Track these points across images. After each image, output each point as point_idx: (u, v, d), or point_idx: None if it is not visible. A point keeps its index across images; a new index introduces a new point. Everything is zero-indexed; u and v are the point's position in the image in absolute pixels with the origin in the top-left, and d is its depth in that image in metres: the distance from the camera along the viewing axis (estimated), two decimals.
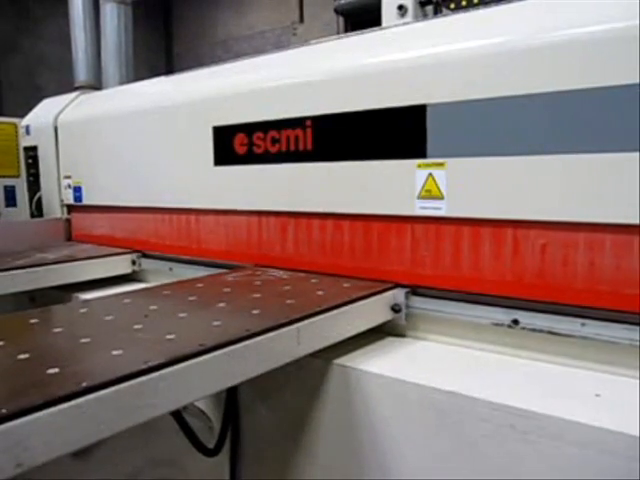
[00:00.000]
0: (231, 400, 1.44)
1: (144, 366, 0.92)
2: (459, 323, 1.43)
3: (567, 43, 1.21)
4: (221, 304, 1.36)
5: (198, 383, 1.01)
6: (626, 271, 1.18)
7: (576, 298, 1.25)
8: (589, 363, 1.22)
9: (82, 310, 1.34)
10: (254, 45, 10.96)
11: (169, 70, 11.89)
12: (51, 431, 0.81)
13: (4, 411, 0.77)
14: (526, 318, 1.31)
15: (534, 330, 1.30)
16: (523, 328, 1.32)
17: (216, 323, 1.19)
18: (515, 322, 1.33)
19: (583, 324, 1.23)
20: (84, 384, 0.85)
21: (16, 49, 9.69)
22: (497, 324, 1.36)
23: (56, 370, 0.92)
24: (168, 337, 1.09)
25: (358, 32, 1.76)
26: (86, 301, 1.50)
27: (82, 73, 3.45)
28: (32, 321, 1.26)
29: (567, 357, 1.25)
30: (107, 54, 2.98)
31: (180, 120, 2.09)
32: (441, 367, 1.30)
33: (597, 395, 1.09)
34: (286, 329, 1.18)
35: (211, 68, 2.18)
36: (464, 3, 1.70)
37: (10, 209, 3.28)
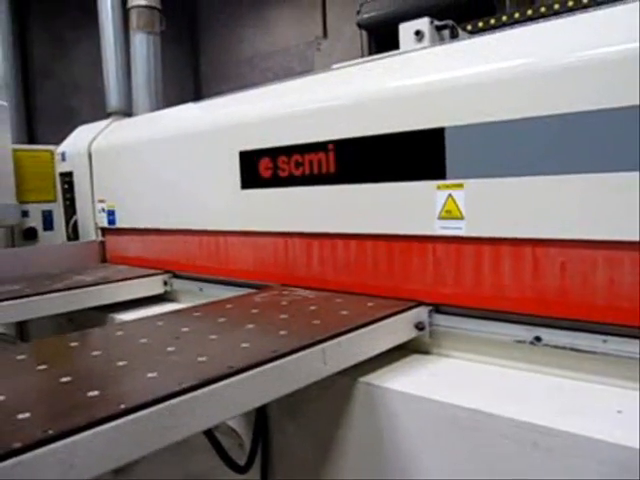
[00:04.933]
0: (261, 418, 1.49)
1: (178, 388, 0.97)
2: (482, 340, 1.45)
3: (583, 65, 1.24)
4: (250, 325, 1.41)
5: (228, 403, 1.06)
6: None
7: (597, 315, 1.26)
8: (611, 379, 1.23)
9: (118, 333, 1.41)
10: (279, 61, 11.13)
11: (197, 88, 12.15)
12: (94, 450, 0.86)
13: (51, 432, 0.83)
14: (548, 335, 1.33)
15: (556, 347, 1.32)
16: (546, 345, 1.34)
17: (244, 345, 1.24)
18: (537, 339, 1.35)
19: (605, 340, 1.24)
20: (123, 406, 0.91)
21: (50, 74, 10.04)
22: (520, 341, 1.38)
23: (96, 393, 0.98)
24: (200, 359, 1.15)
25: (377, 56, 1.81)
26: (122, 323, 1.57)
27: (114, 99, 3.59)
28: (72, 344, 1.33)
29: (589, 373, 1.27)
30: (137, 82, 3.10)
31: (208, 146, 2.17)
32: (464, 384, 1.32)
33: (619, 412, 1.10)
34: (312, 350, 1.23)
35: (236, 94, 2.26)
36: (481, 25, 1.73)
37: (48, 233, 3.42)
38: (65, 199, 3.07)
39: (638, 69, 1.14)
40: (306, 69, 9.57)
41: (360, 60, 1.92)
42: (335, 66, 2.00)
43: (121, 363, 1.15)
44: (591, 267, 1.26)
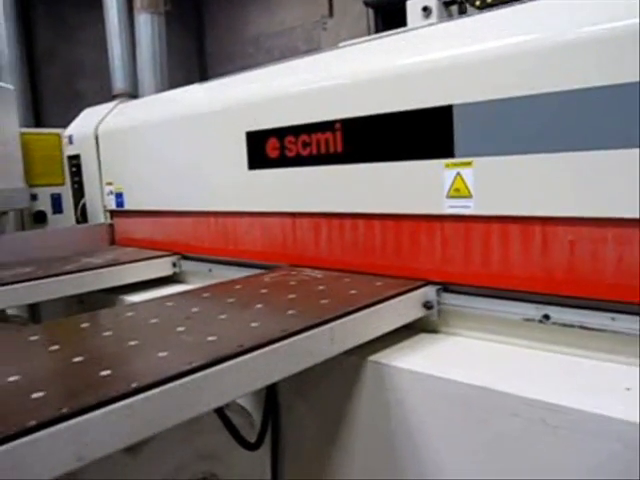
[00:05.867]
0: (271, 397, 1.51)
1: (188, 367, 0.99)
2: (491, 319, 1.45)
3: (593, 40, 1.22)
4: (259, 305, 1.42)
5: (238, 382, 1.07)
6: None
7: (606, 293, 1.26)
8: (620, 357, 1.23)
9: (129, 314, 1.43)
10: (284, 41, 11.02)
11: (202, 68, 12.05)
12: (106, 428, 0.88)
13: (65, 410, 0.84)
14: (557, 313, 1.33)
15: (565, 325, 1.32)
16: (554, 323, 1.34)
17: (254, 324, 1.25)
18: (546, 317, 1.35)
19: (613, 318, 1.24)
20: (134, 385, 0.92)
21: (55, 56, 9.99)
22: (528, 319, 1.38)
23: (108, 372, 0.99)
24: (209, 339, 1.16)
25: (384, 34, 1.79)
26: (132, 304, 1.59)
27: (119, 81, 3.59)
28: (83, 325, 1.35)
29: (598, 351, 1.27)
30: (142, 63, 3.09)
31: (215, 126, 2.16)
32: (473, 362, 1.33)
33: (627, 389, 1.10)
34: (320, 329, 1.23)
35: (242, 74, 2.24)
36: (489, 0, 1.70)
37: (57, 216, 3.44)
38: (73, 182, 3.08)
39: None
40: (312, 48, 9.47)
41: (367, 38, 1.90)
42: (342, 44, 1.98)
43: (132, 343, 1.16)
44: (600, 245, 1.25)
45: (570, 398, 1.08)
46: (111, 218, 2.93)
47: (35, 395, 0.91)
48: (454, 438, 1.23)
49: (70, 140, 3.07)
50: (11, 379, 0.99)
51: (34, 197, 3.35)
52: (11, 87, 2.88)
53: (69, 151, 3.08)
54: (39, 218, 3.40)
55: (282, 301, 1.46)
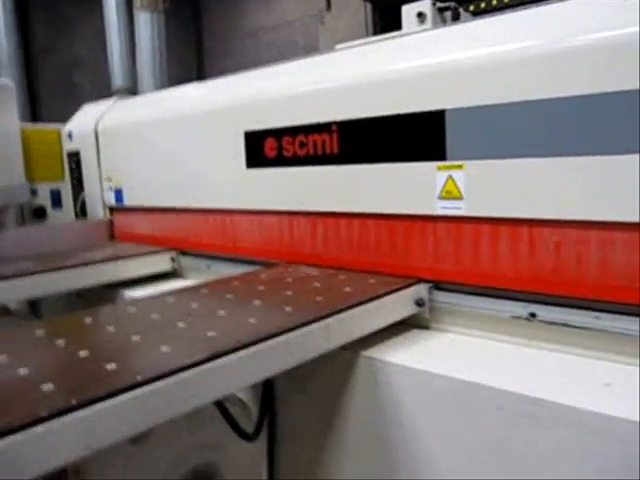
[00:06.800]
0: (268, 390, 1.56)
1: (190, 361, 1.04)
2: (480, 316, 1.51)
3: (578, 49, 1.27)
4: (256, 302, 1.47)
5: (237, 376, 1.13)
6: (637, 266, 1.24)
7: (589, 292, 1.31)
8: (602, 354, 1.29)
9: (131, 310, 1.47)
10: (283, 35, 11.01)
11: (200, 62, 12.04)
12: (113, 418, 0.93)
13: (74, 402, 0.89)
14: (543, 311, 1.39)
15: (550, 323, 1.37)
16: (540, 321, 1.39)
17: (252, 321, 1.30)
18: (533, 315, 1.41)
19: (597, 317, 1.30)
20: (139, 377, 0.97)
21: (51, 51, 9.98)
22: (515, 317, 1.44)
23: (114, 366, 1.04)
24: (209, 334, 1.21)
25: (380, 37, 1.83)
26: (134, 300, 1.63)
27: (118, 77, 3.61)
28: (87, 321, 1.39)
29: (581, 348, 1.32)
30: (142, 61, 3.13)
31: (214, 125, 2.21)
32: (462, 358, 1.39)
33: (607, 385, 1.16)
34: (316, 325, 1.29)
35: (241, 74, 2.28)
36: (483, 6, 1.75)
37: (57, 211, 3.48)
38: (73, 178, 3.12)
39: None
40: (310, 43, 9.48)
41: (363, 41, 1.94)
42: (338, 46, 2.03)
43: (135, 338, 1.21)
44: (584, 247, 1.31)
45: (552, 393, 1.13)
46: (110, 214, 2.97)
47: (45, 387, 0.96)
48: (442, 429, 1.29)
49: (70, 136, 3.10)
50: (21, 372, 1.04)
51: (34, 192, 3.39)
52: (11, 84, 2.91)
53: (69, 147, 3.12)
54: (39, 213, 3.44)
55: (279, 298, 1.51)
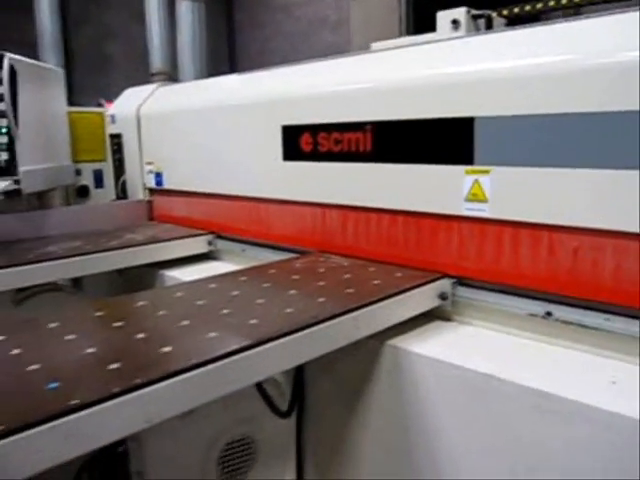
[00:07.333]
0: (299, 372, 1.70)
1: (237, 347, 1.17)
2: (499, 312, 1.61)
3: (603, 68, 1.34)
4: (292, 291, 1.60)
5: (276, 361, 1.26)
6: None
7: (603, 295, 1.41)
8: (611, 353, 1.39)
9: (178, 294, 1.62)
10: (313, 9, 10.92)
11: (230, 34, 11.99)
12: (170, 396, 1.07)
13: (138, 381, 1.03)
14: (559, 311, 1.49)
15: (565, 322, 1.47)
16: (556, 320, 1.49)
17: (289, 310, 1.43)
18: (549, 314, 1.51)
19: (607, 319, 1.39)
20: (193, 361, 1.11)
21: (86, 20, 10.10)
22: (532, 315, 1.54)
23: (169, 349, 1.19)
24: (251, 322, 1.34)
25: (415, 39, 1.91)
26: (179, 285, 1.77)
27: (158, 60, 3.73)
28: (140, 304, 1.54)
29: (592, 347, 1.43)
30: (183, 48, 3.24)
31: (253, 118, 2.32)
32: (480, 351, 1.50)
33: (613, 382, 1.27)
34: (347, 316, 1.41)
35: (281, 68, 2.38)
36: (517, 11, 1.81)
37: (99, 190, 3.66)
38: (114, 159, 3.27)
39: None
40: (340, 18, 9.38)
41: (398, 41, 2.02)
42: (374, 45, 2.11)
43: (184, 323, 1.35)
44: (600, 253, 1.40)
45: (560, 388, 1.24)
46: (150, 195, 3.12)
47: (112, 366, 1.10)
48: (458, 416, 1.42)
49: (113, 119, 3.25)
50: (89, 350, 1.19)
51: (78, 172, 3.56)
52: (60, 70, 3.05)
53: (111, 130, 3.26)
54: (82, 192, 3.62)
55: (312, 288, 1.64)
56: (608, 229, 1.37)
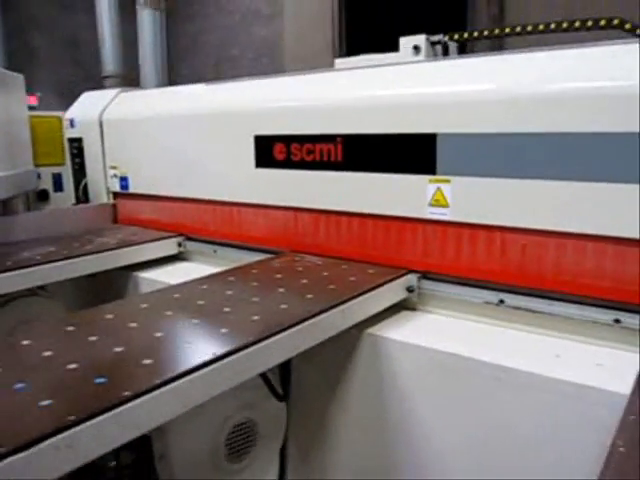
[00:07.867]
0: (286, 361, 1.88)
1: (252, 339, 1.35)
2: (459, 301, 1.87)
3: (537, 97, 1.61)
4: (280, 289, 1.79)
5: (280, 352, 1.45)
6: (582, 266, 1.62)
7: (547, 285, 1.69)
8: (555, 332, 1.68)
9: (176, 295, 1.77)
10: (247, 2, 10.68)
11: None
12: (200, 384, 1.24)
13: (172, 374, 1.19)
14: (510, 299, 1.76)
15: (516, 308, 1.75)
16: (507, 306, 1.77)
17: (283, 306, 1.62)
18: (502, 301, 1.78)
19: (550, 304, 1.68)
20: (215, 353, 1.28)
21: (10, 8, 9.58)
22: (488, 302, 1.80)
23: (191, 345, 1.35)
24: (254, 318, 1.52)
25: (379, 60, 2.13)
26: (173, 287, 1.90)
27: (109, 63, 3.77)
28: (143, 305, 1.68)
29: (539, 327, 1.71)
30: (145, 56, 3.30)
31: (225, 127, 2.47)
32: (445, 335, 1.74)
33: (557, 356, 1.55)
34: (335, 310, 1.62)
35: (250, 81, 2.54)
36: (466, 36, 2.06)
37: (58, 194, 3.67)
38: (74, 163, 3.31)
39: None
40: (274, 12, 9.28)
41: (360, 59, 2.24)
42: (337, 62, 2.31)
43: (195, 321, 1.51)
44: (544, 250, 1.68)
45: (514, 361, 1.51)
46: (114, 199, 3.19)
47: (98, 380, 1.15)
48: (431, 393, 1.66)
49: (72, 123, 3.28)
50: (71, 366, 1.20)
51: (38, 176, 3.56)
52: (20, 75, 3.05)
53: (70, 134, 3.30)
54: (42, 196, 3.62)
55: (298, 286, 1.83)
56: (549, 229, 1.65)
